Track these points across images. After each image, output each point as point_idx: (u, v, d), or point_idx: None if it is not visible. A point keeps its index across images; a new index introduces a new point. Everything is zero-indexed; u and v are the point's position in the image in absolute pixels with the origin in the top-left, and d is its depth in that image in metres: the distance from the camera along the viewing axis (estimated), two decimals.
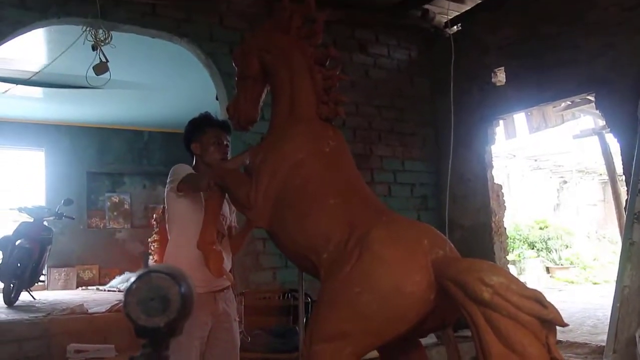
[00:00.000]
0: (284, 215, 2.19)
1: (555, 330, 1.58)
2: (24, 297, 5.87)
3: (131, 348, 3.94)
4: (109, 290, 7.36)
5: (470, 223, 5.63)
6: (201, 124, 2.91)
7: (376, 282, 1.77)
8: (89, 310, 4.82)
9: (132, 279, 1.05)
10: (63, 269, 8.30)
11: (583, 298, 7.88)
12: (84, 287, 8.12)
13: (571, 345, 4.76)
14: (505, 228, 5.73)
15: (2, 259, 5.89)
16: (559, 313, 1.56)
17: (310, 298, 3.44)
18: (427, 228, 1.97)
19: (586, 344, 4.77)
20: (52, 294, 7.20)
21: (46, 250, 6.26)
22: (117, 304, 4.77)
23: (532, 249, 11.75)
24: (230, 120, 2.68)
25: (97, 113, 8.18)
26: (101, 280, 8.42)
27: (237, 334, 2.92)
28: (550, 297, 1.59)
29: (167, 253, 2.82)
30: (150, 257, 7.55)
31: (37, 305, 5.55)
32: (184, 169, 2.79)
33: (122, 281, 7.64)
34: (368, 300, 1.77)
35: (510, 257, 9.13)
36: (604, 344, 4.27)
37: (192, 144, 2.90)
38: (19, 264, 5.74)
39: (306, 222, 2.10)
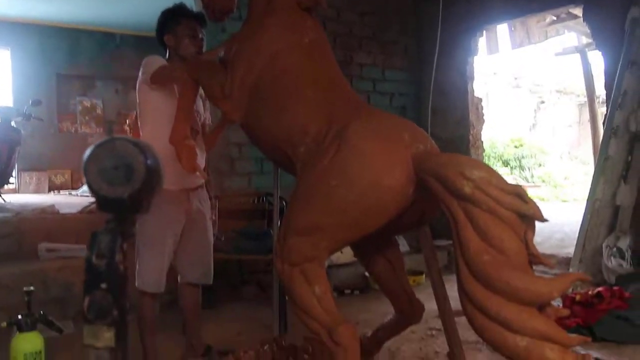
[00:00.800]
0: (260, 107, 2.10)
1: (534, 226, 1.55)
2: None
3: None
4: (81, 195, 7.26)
5: (448, 135, 5.58)
6: (175, 15, 2.76)
7: (354, 176, 1.72)
8: (60, 212, 4.75)
9: (93, 146, 0.96)
10: (34, 173, 8.15)
11: (552, 214, 8.05)
12: (56, 192, 8.01)
13: None
14: (482, 141, 5.72)
15: None
16: (539, 208, 1.54)
17: (285, 202, 3.40)
18: (408, 123, 1.91)
19: (553, 255, 4.88)
20: (23, 197, 7.08)
21: (15, 151, 6.07)
22: (88, 206, 4.71)
23: (506, 166, 11.90)
24: (205, 10, 2.54)
25: (65, 11, 7.76)
26: (74, 185, 8.31)
27: (210, 233, 2.90)
28: None
29: None
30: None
31: (7, 206, 5.45)
32: (157, 61, 2.65)
33: None
34: (345, 194, 1.72)
35: None
36: (570, 255, 4.38)
37: (165, 35, 2.76)
38: None
39: (283, 114, 2.02)
